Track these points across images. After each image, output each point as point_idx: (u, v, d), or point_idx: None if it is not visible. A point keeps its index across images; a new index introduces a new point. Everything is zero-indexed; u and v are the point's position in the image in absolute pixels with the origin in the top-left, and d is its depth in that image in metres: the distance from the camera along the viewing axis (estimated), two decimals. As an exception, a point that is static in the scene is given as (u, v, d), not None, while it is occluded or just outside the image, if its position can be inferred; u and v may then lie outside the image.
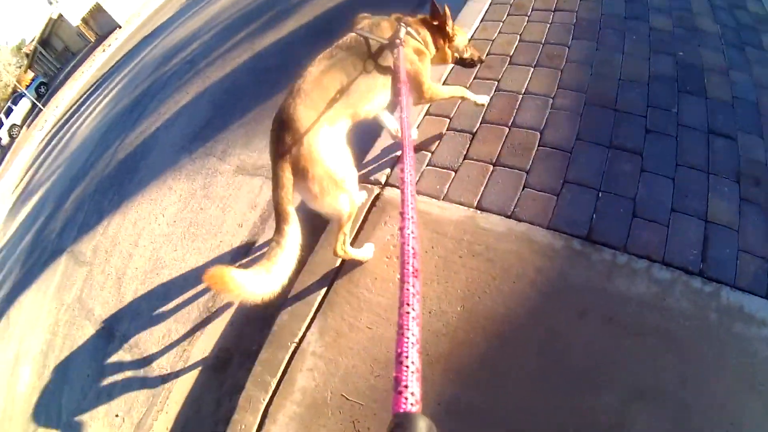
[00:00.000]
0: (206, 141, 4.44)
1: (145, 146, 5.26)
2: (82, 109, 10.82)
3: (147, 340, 3.05)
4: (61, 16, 24.82)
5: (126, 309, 3.42)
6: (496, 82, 3.12)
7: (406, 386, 0.68)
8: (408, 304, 0.80)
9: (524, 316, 2.14)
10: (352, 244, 2.41)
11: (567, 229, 2.33)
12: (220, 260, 3.15)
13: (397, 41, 2.09)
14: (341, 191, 1.97)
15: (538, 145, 2.72)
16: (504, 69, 3.24)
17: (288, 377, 2.22)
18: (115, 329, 3.32)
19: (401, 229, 0.98)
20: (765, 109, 2.91)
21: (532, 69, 3.17)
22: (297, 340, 2.30)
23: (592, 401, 1.90)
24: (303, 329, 2.33)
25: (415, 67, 2.26)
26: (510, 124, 2.86)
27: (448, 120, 3.00)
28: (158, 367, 2.86)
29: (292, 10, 6.12)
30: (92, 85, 11.73)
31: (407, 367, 0.70)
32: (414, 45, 2.27)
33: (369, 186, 2.74)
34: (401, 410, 0.65)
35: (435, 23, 2.40)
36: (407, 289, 0.83)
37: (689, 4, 3.75)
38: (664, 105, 2.86)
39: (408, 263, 0.89)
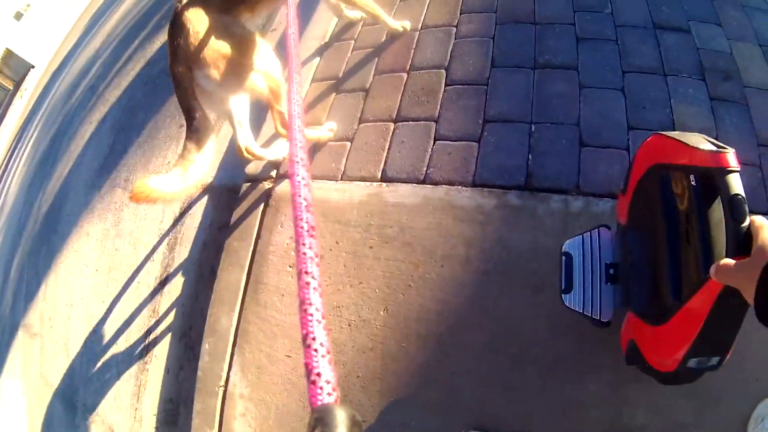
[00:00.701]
0: (111, 172, 4.37)
1: (62, 193, 5.21)
2: (9, 166, 10.92)
3: (102, 406, 3.07)
4: (-26, 75, 25.13)
5: (78, 376, 3.44)
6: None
7: (318, 374, 0.60)
8: (307, 273, 0.69)
9: (464, 306, 1.78)
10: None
11: (498, 181, 1.96)
12: (143, 303, 3.12)
13: None
14: (247, 71, 1.94)
15: (446, 85, 2.35)
16: (395, 8, 2.86)
17: (225, 427, 2.09)
18: (76, 400, 3.35)
19: (290, 176, 0.87)
20: (716, -8, 2.57)
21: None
22: (222, 383, 2.15)
23: (575, 395, 1.56)
24: (225, 370, 2.17)
25: None
26: (408, 68, 2.50)
27: (336, 82, 2.65)
28: (119, 433, 2.94)
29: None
30: (15, 138, 12.17)
31: (316, 350, 0.62)
32: None
33: (258, 184, 2.45)
34: (318, 403, 0.59)
35: None
36: (303, 253, 0.72)
37: None
38: (595, 6, 2.48)
39: (301, 219, 0.77)
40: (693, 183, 1.05)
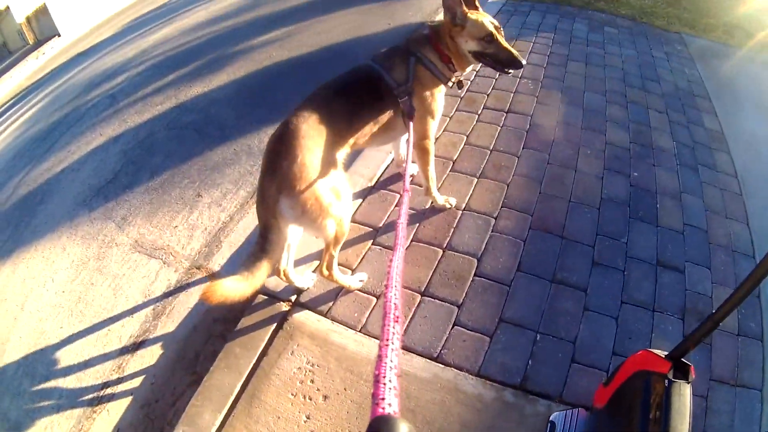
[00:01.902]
0: (109, 200, 4.39)
1: (47, 187, 5.16)
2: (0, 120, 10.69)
3: (28, 428, 2.98)
4: (8, 8, 25.19)
5: (8, 384, 3.31)
6: (436, 191, 3.05)
7: (383, 398, 0.71)
8: (388, 339, 0.90)
9: None
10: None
11: (499, 377, 2.29)
12: (107, 353, 3.14)
13: (407, 85, 2.37)
14: (326, 216, 2.14)
15: (474, 275, 2.69)
16: (445, 176, 3.23)
17: None
18: None
19: (386, 289, 1.09)
20: (714, 236, 3.08)
21: (476, 180, 3.20)
22: None
23: None
24: None
25: (423, 108, 2.50)
26: (445, 246, 2.83)
27: (374, 231, 2.96)
28: (37, 468, 2.71)
29: (225, 60, 6.22)
30: (16, 95, 11.90)
31: (384, 384, 0.75)
32: (425, 80, 2.48)
33: (275, 302, 2.66)
34: (376, 414, 0.68)
35: (451, 27, 2.45)
36: (387, 329, 0.94)
37: (647, 118, 3.96)
38: (615, 233, 2.94)
39: (390, 313, 1.00)
40: (666, 384, 1.58)
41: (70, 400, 2.98)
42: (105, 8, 14.21)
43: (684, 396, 1.58)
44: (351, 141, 2.31)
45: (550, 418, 2.10)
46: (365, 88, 2.34)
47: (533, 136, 3.60)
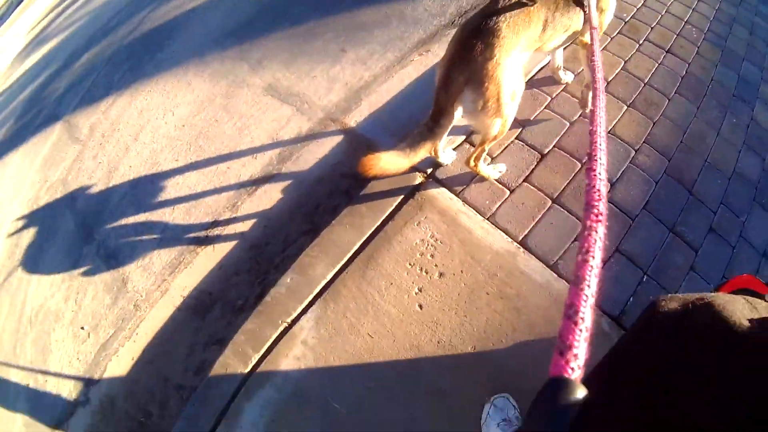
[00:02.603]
0: (243, 42, 4.31)
1: (175, 24, 5.12)
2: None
3: (126, 257, 3.09)
4: None
5: (110, 212, 3.41)
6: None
7: (570, 346, 0.64)
8: (589, 251, 0.78)
9: (533, 378, 2.14)
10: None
11: (602, 305, 2.36)
12: (222, 190, 3.17)
13: None
14: (499, 115, 2.18)
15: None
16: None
17: (271, 357, 2.27)
18: (95, 231, 3.34)
19: (588, 170, 1.02)
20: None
21: (626, 108, 3.14)
22: (289, 320, 2.36)
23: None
24: (298, 311, 2.38)
25: (599, 7, 2.43)
26: (584, 160, 2.80)
27: (520, 126, 2.94)
28: (133, 290, 2.92)
29: None
30: None
31: (576, 323, 0.67)
32: None
33: (410, 172, 2.68)
34: (559, 374, 0.62)
35: None
36: (590, 235, 0.81)
37: (795, 106, 3.76)
38: (736, 209, 2.91)
39: (594, 205, 0.89)
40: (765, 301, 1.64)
41: (175, 233, 3.03)
42: None
43: None
44: (539, 44, 2.30)
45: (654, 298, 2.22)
46: None
47: (687, 84, 3.48)
